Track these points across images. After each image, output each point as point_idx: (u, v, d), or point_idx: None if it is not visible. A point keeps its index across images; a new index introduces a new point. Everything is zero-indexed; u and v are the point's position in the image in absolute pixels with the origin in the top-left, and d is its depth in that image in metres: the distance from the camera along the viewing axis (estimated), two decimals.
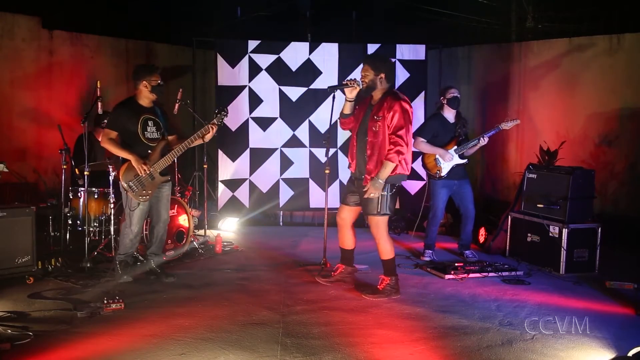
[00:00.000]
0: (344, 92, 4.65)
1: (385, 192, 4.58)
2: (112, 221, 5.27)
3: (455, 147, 5.79)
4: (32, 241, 5.01)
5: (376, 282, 4.83)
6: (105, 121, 6.40)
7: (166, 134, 5.03)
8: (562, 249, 5.41)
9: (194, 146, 5.21)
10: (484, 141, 5.74)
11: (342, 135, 7.46)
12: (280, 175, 7.66)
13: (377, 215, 4.62)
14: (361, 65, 4.76)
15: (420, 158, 6.17)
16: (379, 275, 4.81)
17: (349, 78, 4.65)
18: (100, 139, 5.01)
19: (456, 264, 5.45)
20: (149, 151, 4.89)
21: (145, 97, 4.94)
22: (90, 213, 5.73)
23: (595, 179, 5.86)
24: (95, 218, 5.81)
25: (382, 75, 4.61)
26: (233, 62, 7.54)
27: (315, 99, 7.61)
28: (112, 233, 5.32)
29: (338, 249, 5.06)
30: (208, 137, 5.01)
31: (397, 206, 7.67)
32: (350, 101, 4.66)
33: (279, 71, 7.57)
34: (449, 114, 5.88)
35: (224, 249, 6.21)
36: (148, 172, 4.81)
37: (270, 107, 7.60)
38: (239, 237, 7.00)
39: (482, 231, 6.53)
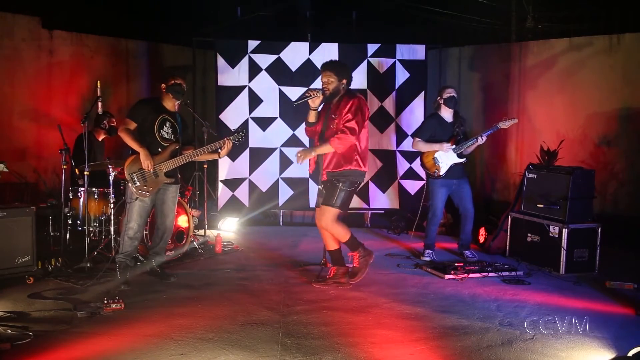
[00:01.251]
0: (308, 103, 4.82)
1: (344, 187, 4.70)
2: (112, 221, 5.27)
3: (454, 146, 5.80)
4: (32, 241, 5.01)
5: (374, 280, 4.88)
6: (105, 122, 6.49)
7: (180, 140, 5.07)
8: (562, 249, 5.41)
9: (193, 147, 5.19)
10: (481, 140, 5.74)
11: None
12: (280, 175, 7.66)
13: (329, 205, 4.71)
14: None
15: (418, 158, 6.17)
16: (330, 266, 4.98)
17: (310, 88, 4.74)
18: (117, 129, 4.99)
19: (456, 264, 5.45)
20: (159, 149, 4.93)
21: (167, 99, 5.03)
22: (90, 213, 5.73)
23: (595, 179, 5.86)
24: (95, 218, 5.82)
25: (344, 81, 4.78)
26: (233, 62, 7.54)
27: None
28: (112, 233, 5.31)
29: None
30: (223, 153, 5.04)
31: (397, 206, 7.70)
32: (314, 110, 4.84)
33: (278, 71, 7.57)
34: (447, 114, 5.89)
35: (224, 249, 6.21)
36: (152, 168, 4.83)
37: (270, 107, 7.60)
38: (239, 237, 7.00)
39: (482, 231, 6.53)
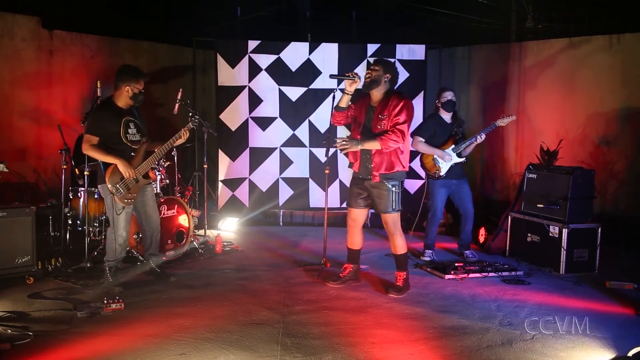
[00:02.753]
0: (342, 84, 4.69)
1: (397, 189, 4.70)
2: None
3: (453, 146, 5.80)
4: (32, 241, 5.01)
5: (374, 280, 4.86)
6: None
7: (146, 136, 4.92)
8: (562, 249, 5.41)
9: (193, 147, 5.15)
10: (480, 139, 5.76)
11: (342, 135, 7.45)
12: (280, 175, 7.66)
13: (391, 212, 4.71)
14: (363, 63, 4.76)
15: (418, 158, 6.18)
16: (395, 273, 4.88)
17: (352, 71, 4.66)
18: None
19: (456, 264, 5.46)
20: (132, 154, 4.77)
21: (124, 101, 4.80)
22: (90, 213, 5.73)
23: (595, 179, 5.86)
24: (95, 218, 5.81)
25: (388, 75, 4.71)
26: (233, 62, 7.54)
27: (315, 99, 7.61)
28: None
29: (338, 249, 5.08)
30: (179, 141, 4.87)
31: None
32: (348, 94, 4.69)
33: (278, 71, 7.57)
34: (446, 115, 5.90)
35: (224, 249, 6.21)
36: (134, 175, 4.70)
37: (270, 107, 7.60)
38: (239, 237, 7.00)
39: (482, 231, 6.53)
